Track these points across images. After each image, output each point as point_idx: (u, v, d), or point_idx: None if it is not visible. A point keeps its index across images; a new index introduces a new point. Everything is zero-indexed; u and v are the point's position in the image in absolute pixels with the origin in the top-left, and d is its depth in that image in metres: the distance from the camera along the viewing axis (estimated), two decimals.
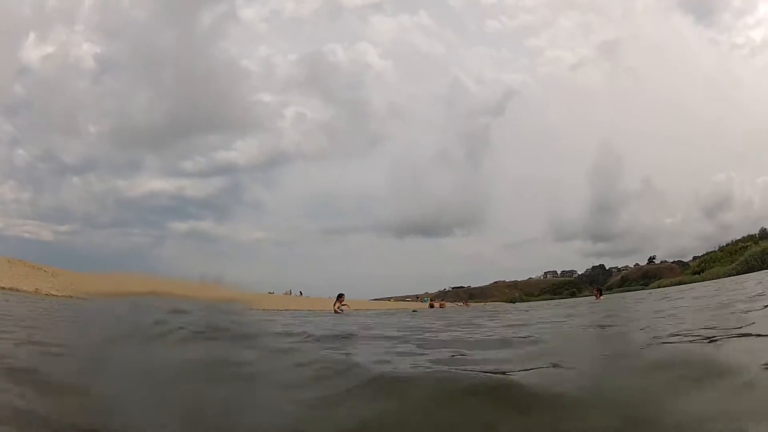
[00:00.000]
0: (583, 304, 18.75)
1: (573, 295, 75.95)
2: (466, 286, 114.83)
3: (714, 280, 39.19)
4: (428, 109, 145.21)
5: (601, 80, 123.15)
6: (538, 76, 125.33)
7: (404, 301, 79.86)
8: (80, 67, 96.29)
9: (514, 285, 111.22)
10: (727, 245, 69.57)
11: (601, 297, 20.38)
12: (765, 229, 64.53)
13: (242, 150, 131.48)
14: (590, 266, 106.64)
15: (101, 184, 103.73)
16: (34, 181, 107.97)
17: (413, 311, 21.24)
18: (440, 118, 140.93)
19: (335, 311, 17.68)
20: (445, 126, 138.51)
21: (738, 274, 44.81)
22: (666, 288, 45.06)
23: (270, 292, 43.73)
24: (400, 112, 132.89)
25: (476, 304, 71.34)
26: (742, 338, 3.35)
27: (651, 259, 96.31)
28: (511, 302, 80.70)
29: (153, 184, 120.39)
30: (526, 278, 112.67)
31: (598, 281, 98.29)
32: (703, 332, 3.79)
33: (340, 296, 18.61)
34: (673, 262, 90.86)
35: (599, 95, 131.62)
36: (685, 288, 25.80)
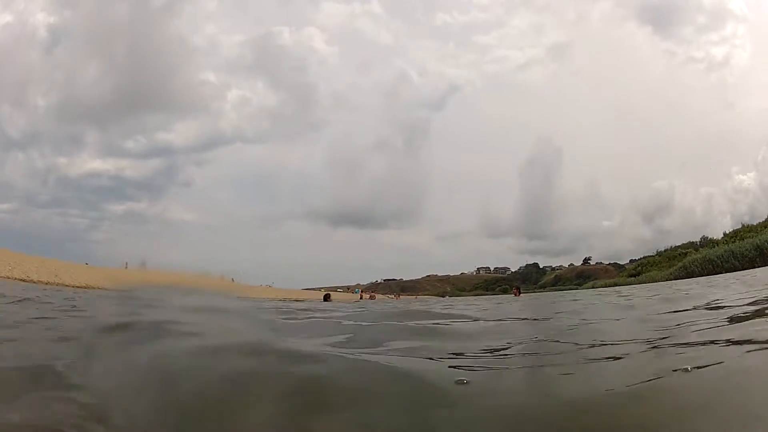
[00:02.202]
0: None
1: (505, 291, 72.70)
2: (398, 278, 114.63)
3: (650, 284, 37.74)
4: (370, 98, 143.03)
5: (548, 81, 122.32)
6: (484, 73, 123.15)
7: (335, 291, 75.54)
8: (35, 37, 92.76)
9: (447, 279, 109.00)
10: (666, 250, 67.77)
11: (520, 295, 19.95)
12: (706, 237, 63.10)
13: (181, 131, 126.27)
14: (524, 264, 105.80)
15: (43, 161, 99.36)
16: None
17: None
18: (382, 108, 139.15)
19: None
20: (386, 116, 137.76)
21: (676, 279, 43.84)
22: (599, 288, 43.20)
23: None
24: (342, 100, 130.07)
25: (407, 296, 67.38)
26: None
27: (586, 260, 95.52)
28: (441, 296, 77.03)
29: (94, 163, 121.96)
30: (458, 273, 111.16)
31: (531, 279, 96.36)
32: None
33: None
34: (608, 264, 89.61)
35: (544, 96, 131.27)
36: (619, 289, 25.10)
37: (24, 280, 20.46)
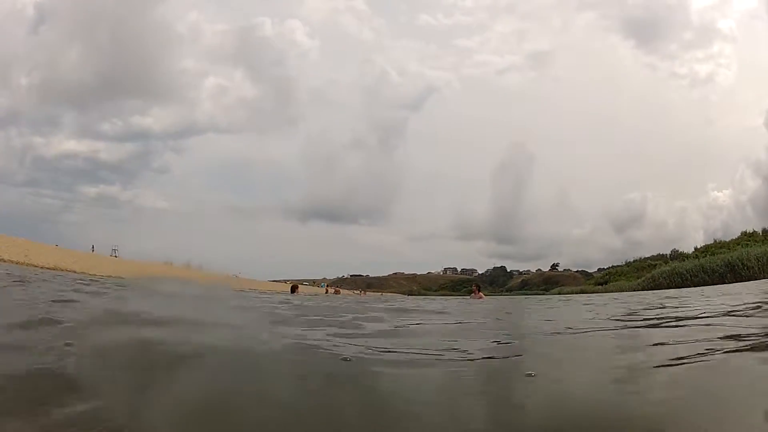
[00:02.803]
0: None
1: (470, 293, 71.19)
2: (364, 275, 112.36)
3: (617, 293, 35.33)
4: (349, 95, 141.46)
5: (527, 88, 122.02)
6: (463, 77, 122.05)
7: (302, 284, 73.94)
8: (23, 15, 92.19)
9: (413, 278, 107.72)
10: (635, 261, 67.61)
11: (481, 295, 19.08)
12: (677, 250, 62.88)
13: (159, 117, 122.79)
14: (492, 266, 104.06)
15: (20, 140, 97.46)
16: None
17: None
18: (359, 105, 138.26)
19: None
20: (364, 114, 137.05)
21: (643, 289, 42.84)
22: (565, 295, 42.80)
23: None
24: (320, 95, 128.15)
25: (373, 293, 65.99)
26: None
27: (554, 266, 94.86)
28: (407, 294, 75.58)
29: (69, 144, 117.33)
30: (425, 272, 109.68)
31: (498, 282, 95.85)
32: None
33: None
34: (576, 271, 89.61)
35: (523, 102, 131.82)
36: (581, 297, 24.61)
37: None
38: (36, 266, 21.59)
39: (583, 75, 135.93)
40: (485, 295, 22.35)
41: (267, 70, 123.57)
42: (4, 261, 21.17)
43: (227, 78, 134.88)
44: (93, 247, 49.26)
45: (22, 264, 21.55)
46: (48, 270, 20.44)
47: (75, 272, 22.21)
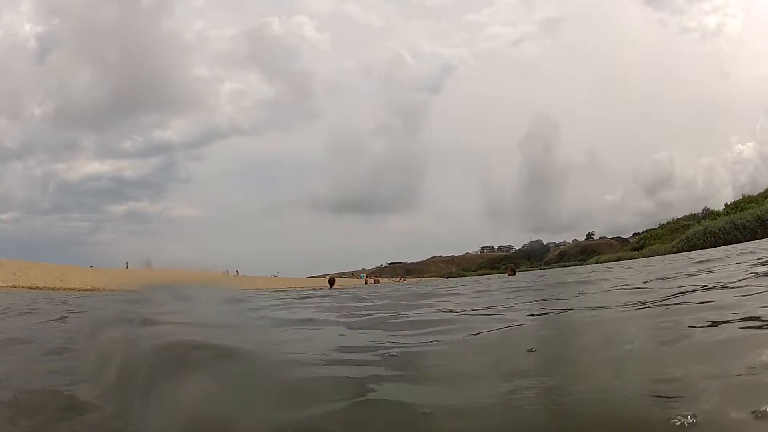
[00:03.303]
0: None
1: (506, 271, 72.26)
2: (403, 261, 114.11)
3: (654, 257, 37.63)
4: (366, 82, 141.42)
5: (542, 56, 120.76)
6: (477, 51, 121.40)
7: (340, 277, 76.44)
8: (25, 48, 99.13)
9: (451, 260, 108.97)
10: (668, 223, 67.34)
11: (515, 274, 20.15)
12: (708, 208, 62.67)
13: (178, 128, 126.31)
14: (528, 241, 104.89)
15: (41, 168, 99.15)
16: None
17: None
18: (378, 92, 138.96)
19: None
20: (383, 99, 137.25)
21: (679, 251, 42.99)
22: (603, 263, 43.09)
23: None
24: (337, 86, 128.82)
25: (413, 279, 67.67)
26: None
27: (589, 235, 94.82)
28: (446, 277, 76.98)
29: (92, 166, 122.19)
30: (463, 253, 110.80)
31: (536, 256, 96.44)
32: None
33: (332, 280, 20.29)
34: (612, 239, 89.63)
35: (539, 71, 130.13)
36: (619, 264, 24.58)
37: (31, 288, 20.66)
38: (73, 290, 21.70)
39: (596, 38, 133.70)
40: (518, 271, 24.30)
41: (281, 68, 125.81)
42: (41, 288, 21.01)
43: (243, 80, 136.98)
44: (127, 263, 49.86)
45: (59, 289, 21.54)
46: (86, 291, 21.08)
47: (114, 290, 21.56)
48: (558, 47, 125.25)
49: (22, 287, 20.56)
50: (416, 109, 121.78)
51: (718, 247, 30.29)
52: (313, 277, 71.28)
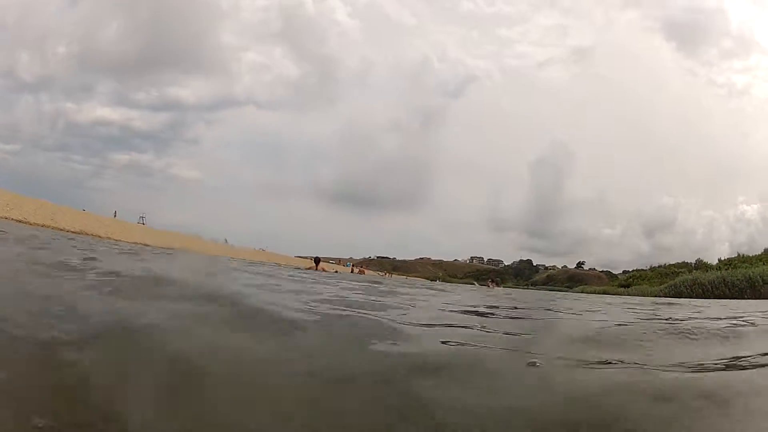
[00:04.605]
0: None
1: (487, 283, 72.74)
2: (391, 257, 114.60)
3: (638, 296, 36.22)
4: (388, 78, 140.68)
5: (567, 83, 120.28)
6: (504, 67, 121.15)
7: (329, 262, 76.81)
8: None
9: (440, 264, 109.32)
10: (659, 266, 67.50)
11: (496, 287, 20.61)
12: (701, 260, 62.80)
13: (194, 88, 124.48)
14: (518, 259, 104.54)
15: (52, 105, 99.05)
16: None
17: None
18: (398, 89, 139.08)
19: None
20: (402, 97, 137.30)
21: (665, 296, 42.85)
22: (586, 294, 43.45)
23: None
24: (360, 76, 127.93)
25: (398, 276, 67.90)
26: None
27: (580, 264, 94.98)
28: (431, 279, 77.16)
29: (103, 111, 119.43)
30: (452, 260, 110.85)
31: (523, 275, 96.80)
32: None
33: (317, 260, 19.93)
34: (601, 271, 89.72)
35: (562, 97, 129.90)
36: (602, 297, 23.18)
37: (20, 221, 20.53)
38: (62, 230, 21.62)
39: (623, 74, 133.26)
40: (503, 287, 24.21)
41: (307, 48, 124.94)
42: (30, 224, 20.91)
43: (268, 54, 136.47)
44: (115, 213, 47.93)
45: (48, 227, 21.36)
46: (73, 233, 20.87)
47: (100, 237, 22.48)
48: (584, 77, 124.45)
49: (12, 219, 20.30)
50: (433, 113, 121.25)
51: (704, 299, 30.55)
52: (300, 257, 71.22)
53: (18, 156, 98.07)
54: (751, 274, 39.23)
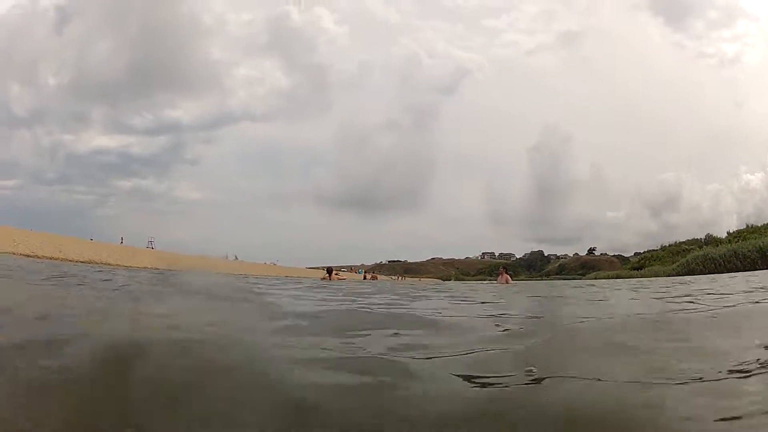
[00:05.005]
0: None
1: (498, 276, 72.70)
2: (402, 260, 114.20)
3: (652, 278, 36.43)
4: (380, 79, 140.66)
5: (557, 68, 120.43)
6: (493, 57, 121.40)
7: (341, 271, 77.09)
8: (45, 17, 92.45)
9: (451, 263, 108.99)
10: (670, 245, 67.46)
11: (507, 279, 18.51)
12: (711, 235, 62.82)
13: (189, 108, 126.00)
14: (529, 251, 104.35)
15: (49, 138, 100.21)
16: None
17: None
18: (391, 89, 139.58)
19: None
20: (396, 97, 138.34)
21: (678, 275, 43.17)
22: (600, 280, 43.39)
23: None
24: (352, 80, 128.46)
25: (411, 278, 67.94)
26: None
27: (591, 251, 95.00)
28: (444, 279, 77.22)
29: (100, 140, 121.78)
30: (463, 257, 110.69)
31: (535, 266, 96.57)
32: None
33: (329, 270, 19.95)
34: (613, 256, 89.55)
35: (553, 83, 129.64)
36: (617, 282, 23.37)
37: (28, 256, 20.64)
38: (71, 261, 21.71)
39: (612, 54, 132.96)
40: (516, 279, 23.65)
41: (297, 58, 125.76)
42: (38, 257, 20.88)
43: (258, 67, 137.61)
44: (122, 239, 47.23)
45: (57, 259, 21.40)
46: (82, 263, 20.90)
47: (110, 264, 22.54)
48: (574, 61, 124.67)
49: (20, 254, 20.50)
50: (428, 110, 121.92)
51: (717, 274, 30.66)
52: (311, 268, 71.53)
53: (20, 191, 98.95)
54: (762, 244, 39.32)
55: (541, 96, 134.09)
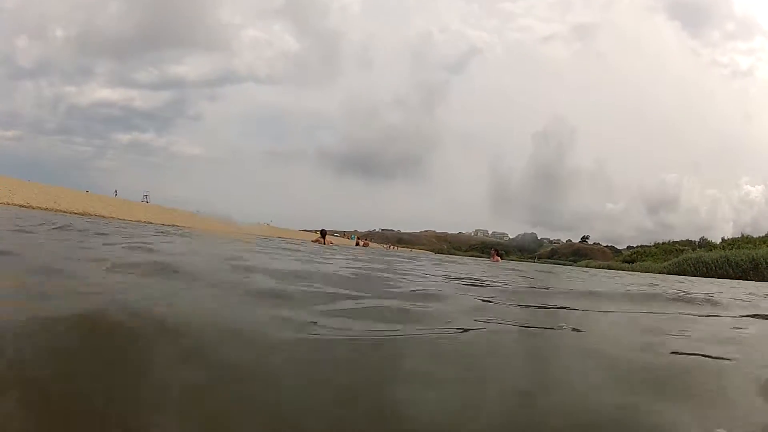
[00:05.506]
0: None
1: (490, 256, 73.72)
2: (396, 230, 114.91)
3: (642, 273, 37.02)
4: (390, 52, 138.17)
5: (569, 59, 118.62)
6: (506, 40, 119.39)
7: (332, 235, 77.54)
8: None
9: (444, 237, 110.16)
10: (663, 243, 68.41)
11: (497, 259, 19.53)
12: (705, 239, 63.70)
13: (194, 65, 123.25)
14: (522, 233, 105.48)
15: (52, 90, 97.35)
16: None
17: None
18: (401, 62, 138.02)
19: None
20: (405, 71, 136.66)
21: (669, 273, 43.72)
22: (590, 268, 43.94)
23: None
24: (362, 50, 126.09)
25: (403, 248, 68.66)
26: None
27: (584, 239, 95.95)
28: (437, 252, 77.93)
29: (103, 92, 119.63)
30: (456, 232, 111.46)
31: (528, 249, 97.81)
32: None
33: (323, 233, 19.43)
34: (606, 246, 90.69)
35: (564, 72, 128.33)
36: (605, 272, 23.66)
37: (23, 206, 20.52)
38: (65, 212, 21.46)
39: (625, 52, 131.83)
40: (505, 259, 24.07)
41: (308, 23, 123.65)
42: (33, 208, 20.62)
43: (268, 30, 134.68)
44: (116, 192, 47.33)
45: (52, 210, 21.11)
46: (76, 215, 20.61)
47: (104, 217, 22.28)
48: (586, 54, 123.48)
49: (15, 205, 20.44)
50: (436, 86, 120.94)
51: (706, 278, 31.22)
52: (305, 230, 71.81)
53: (19, 141, 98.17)
54: (755, 255, 39.99)
55: (551, 84, 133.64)
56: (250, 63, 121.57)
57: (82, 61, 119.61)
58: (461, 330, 1.98)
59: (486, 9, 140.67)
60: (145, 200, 50.55)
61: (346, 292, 2.70)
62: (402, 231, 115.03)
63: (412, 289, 3.39)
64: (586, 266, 59.87)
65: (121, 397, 1.07)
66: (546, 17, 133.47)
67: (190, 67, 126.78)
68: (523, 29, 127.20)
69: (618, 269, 51.84)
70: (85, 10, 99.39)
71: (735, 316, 3.57)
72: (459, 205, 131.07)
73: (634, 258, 66.68)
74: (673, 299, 4.50)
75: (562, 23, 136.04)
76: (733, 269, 40.75)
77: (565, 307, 3.20)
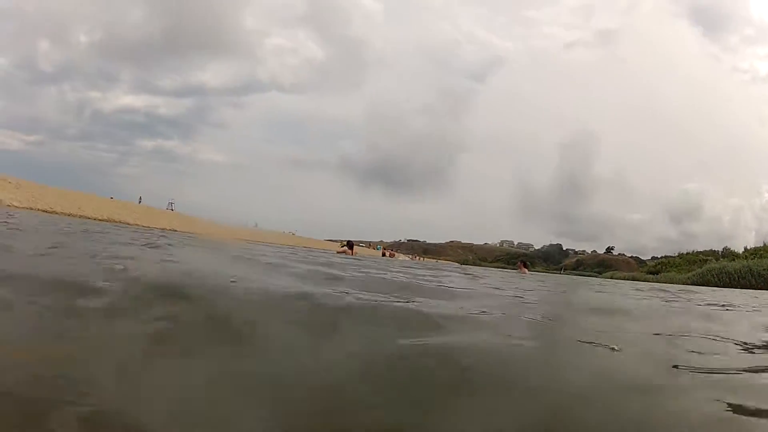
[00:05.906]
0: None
1: (516, 267, 74.35)
2: (422, 240, 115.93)
3: (666, 284, 37.70)
4: (415, 59, 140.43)
5: (593, 65, 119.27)
6: (530, 47, 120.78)
7: (358, 245, 79.04)
8: None
9: (470, 248, 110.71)
10: (687, 254, 68.49)
11: (525, 271, 18.99)
12: (728, 248, 63.65)
13: (218, 72, 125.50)
14: (548, 243, 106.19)
15: (75, 95, 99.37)
16: (10, 89, 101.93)
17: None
18: (425, 71, 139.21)
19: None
20: (429, 80, 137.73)
21: (693, 284, 43.77)
22: (615, 280, 44.54)
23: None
24: (385, 58, 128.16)
25: (429, 259, 69.98)
26: None
27: (609, 249, 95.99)
28: (462, 263, 78.94)
29: (127, 99, 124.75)
30: (482, 243, 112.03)
31: (553, 259, 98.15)
32: None
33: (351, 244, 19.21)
34: (630, 257, 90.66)
35: (587, 79, 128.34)
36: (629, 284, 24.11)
37: (46, 212, 20.49)
38: (88, 218, 21.34)
39: (648, 58, 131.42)
40: (531, 271, 25.37)
41: (331, 31, 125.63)
42: (57, 213, 20.49)
43: (292, 38, 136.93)
44: (140, 198, 47.11)
45: (75, 216, 20.98)
46: (100, 221, 20.50)
47: (128, 224, 22.30)
48: (610, 60, 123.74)
49: (38, 210, 20.34)
50: (461, 95, 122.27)
51: (730, 288, 32.06)
52: (329, 240, 73.45)
53: (41, 146, 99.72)
54: None
55: (575, 91, 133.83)
56: (273, 71, 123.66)
57: (106, 66, 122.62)
58: None
59: (511, 18, 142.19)
60: (171, 208, 50.53)
61: None
62: (428, 242, 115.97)
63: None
64: (611, 277, 60.42)
65: None
66: (569, 23, 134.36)
67: (213, 74, 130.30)
68: (547, 36, 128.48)
69: (643, 280, 52.41)
70: (107, 13, 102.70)
71: None
72: (484, 215, 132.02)
73: (659, 269, 66.79)
74: None
75: (585, 30, 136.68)
76: (755, 279, 41.15)
77: None
